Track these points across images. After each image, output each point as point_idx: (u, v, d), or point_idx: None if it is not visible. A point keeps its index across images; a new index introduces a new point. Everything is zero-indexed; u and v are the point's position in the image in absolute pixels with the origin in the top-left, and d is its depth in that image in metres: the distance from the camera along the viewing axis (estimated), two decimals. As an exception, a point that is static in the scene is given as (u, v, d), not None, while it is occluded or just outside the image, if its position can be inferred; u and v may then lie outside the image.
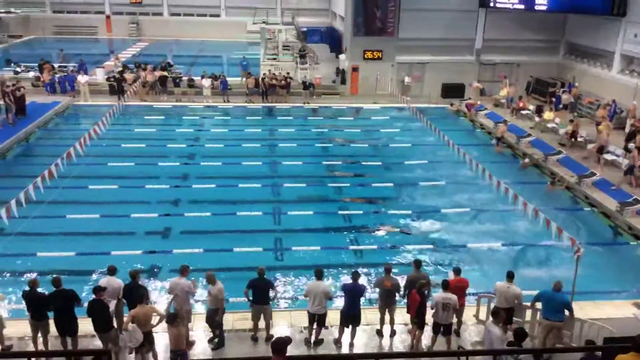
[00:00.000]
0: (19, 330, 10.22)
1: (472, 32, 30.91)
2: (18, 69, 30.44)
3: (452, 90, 29.95)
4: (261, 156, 21.14)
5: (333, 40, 37.35)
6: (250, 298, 10.17)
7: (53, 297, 9.41)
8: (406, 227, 15.91)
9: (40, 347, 9.72)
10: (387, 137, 24.26)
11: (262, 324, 10.37)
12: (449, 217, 16.58)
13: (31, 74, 29.47)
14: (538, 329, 10.31)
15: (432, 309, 9.93)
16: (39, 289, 9.67)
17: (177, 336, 8.93)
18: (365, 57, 30.19)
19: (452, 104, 28.40)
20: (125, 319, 9.60)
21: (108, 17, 46.84)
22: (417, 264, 10.79)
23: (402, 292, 10.57)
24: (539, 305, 10.21)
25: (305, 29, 36.96)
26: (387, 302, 10.48)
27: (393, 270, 10.88)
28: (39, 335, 9.70)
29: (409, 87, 30.22)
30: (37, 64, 30.00)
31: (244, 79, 29.12)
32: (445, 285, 9.95)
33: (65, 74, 28.58)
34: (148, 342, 9.31)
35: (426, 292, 10.03)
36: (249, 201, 17.12)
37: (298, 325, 10.69)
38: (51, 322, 9.64)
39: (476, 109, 27.18)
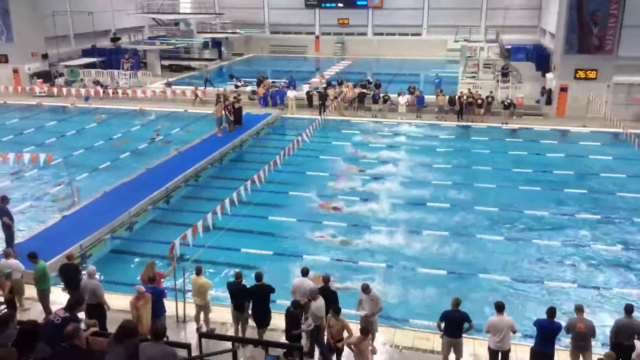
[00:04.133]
0: (221, 315, 11.43)
1: None
2: (238, 84, 34.42)
3: (683, 116, 26.02)
4: (452, 178, 20.58)
5: (540, 58, 35.23)
6: (443, 331, 9.76)
7: (253, 290, 10.36)
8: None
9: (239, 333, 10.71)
10: (597, 164, 21.98)
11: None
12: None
13: (249, 88, 33.10)
14: None
15: None
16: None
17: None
18: (577, 76, 27.76)
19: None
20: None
21: (317, 37, 50.66)
22: (629, 309, 9.42)
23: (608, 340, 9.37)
24: None
25: (509, 47, 35.42)
26: (579, 346, 9.41)
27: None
28: (239, 323, 10.73)
29: None
30: (254, 79, 33.59)
31: (438, 96, 28.94)
32: None
33: (277, 88, 31.52)
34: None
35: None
36: (434, 223, 16.87)
37: (482, 355, 10.17)
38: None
39: None
